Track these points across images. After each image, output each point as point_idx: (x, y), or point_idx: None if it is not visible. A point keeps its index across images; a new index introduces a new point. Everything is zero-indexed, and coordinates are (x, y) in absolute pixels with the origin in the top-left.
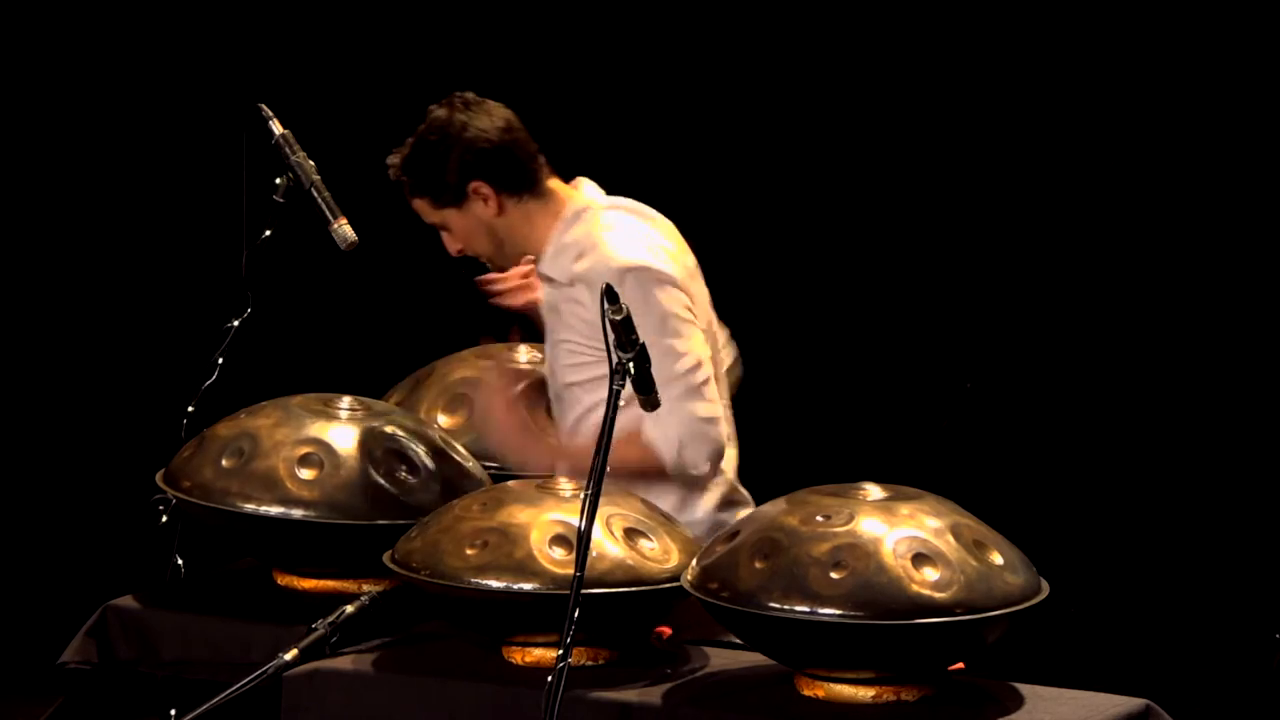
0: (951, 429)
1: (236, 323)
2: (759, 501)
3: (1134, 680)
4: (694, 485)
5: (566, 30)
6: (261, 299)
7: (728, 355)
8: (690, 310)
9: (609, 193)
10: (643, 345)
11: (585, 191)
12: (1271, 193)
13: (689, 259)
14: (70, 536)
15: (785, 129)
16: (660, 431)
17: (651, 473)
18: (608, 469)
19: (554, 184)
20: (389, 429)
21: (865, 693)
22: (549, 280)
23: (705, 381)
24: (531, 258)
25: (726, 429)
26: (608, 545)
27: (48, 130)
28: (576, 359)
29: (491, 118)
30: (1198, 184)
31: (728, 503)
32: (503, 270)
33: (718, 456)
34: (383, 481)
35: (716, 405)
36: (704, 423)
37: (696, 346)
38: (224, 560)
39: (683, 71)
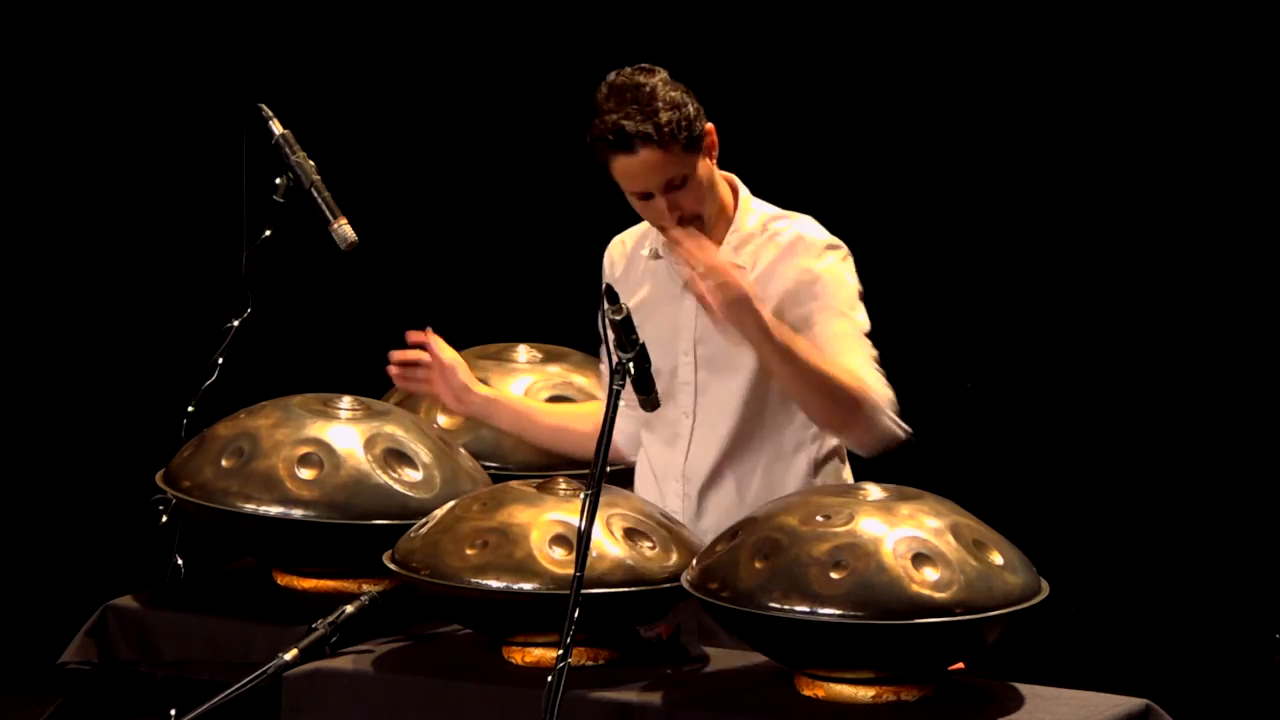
0: (951, 429)
1: (236, 323)
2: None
3: (1134, 680)
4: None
5: (565, 28)
6: (261, 299)
7: None
8: None
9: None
10: (642, 345)
11: None
12: (1271, 193)
13: None
14: (70, 536)
15: (784, 129)
16: (874, 379)
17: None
18: (798, 362)
19: None
20: (389, 429)
21: (865, 693)
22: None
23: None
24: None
25: None
26: (608, 545)
27: (48, 131)
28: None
29: None
30: (1198, 184)
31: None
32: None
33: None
34: (383, 481)
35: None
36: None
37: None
38: (224, 560)
39: (682, 71)
